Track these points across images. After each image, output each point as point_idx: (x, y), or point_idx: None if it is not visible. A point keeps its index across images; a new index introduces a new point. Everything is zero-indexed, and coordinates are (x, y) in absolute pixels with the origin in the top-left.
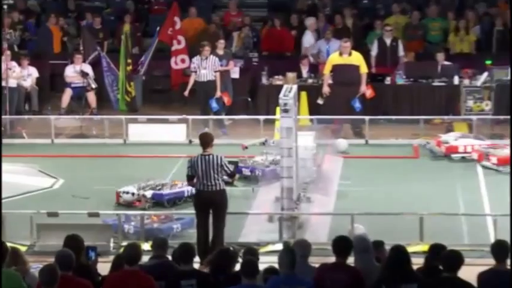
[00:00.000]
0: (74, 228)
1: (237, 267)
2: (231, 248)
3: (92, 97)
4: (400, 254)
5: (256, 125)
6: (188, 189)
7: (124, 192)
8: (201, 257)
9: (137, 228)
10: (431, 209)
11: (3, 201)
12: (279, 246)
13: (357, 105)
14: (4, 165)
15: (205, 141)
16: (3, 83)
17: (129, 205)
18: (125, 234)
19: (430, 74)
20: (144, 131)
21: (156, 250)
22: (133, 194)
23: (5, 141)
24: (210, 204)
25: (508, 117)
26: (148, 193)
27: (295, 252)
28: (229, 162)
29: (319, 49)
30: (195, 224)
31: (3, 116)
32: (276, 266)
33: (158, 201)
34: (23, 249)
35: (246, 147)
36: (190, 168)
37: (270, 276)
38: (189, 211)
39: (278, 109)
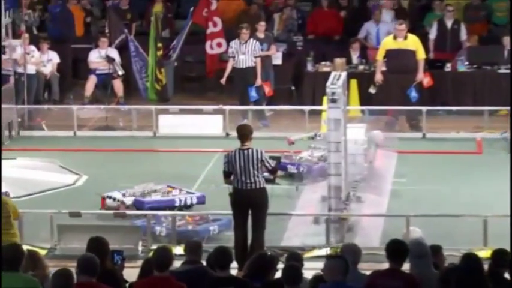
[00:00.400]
0: (98, 229)
1: (279, 274)
2: (270, 253)
3: (118, 85)
4: (473, 262)
5: (300, 116)
6: (181, 198)
7: (108, 197)
8: (239, 262)
9: (169, 230)
10: (496, 211)
11: (21, 199)
12: (326, 251)
13: (413, 94)
14: (22, 160)
15: (244, 134)
16: (20, 69)
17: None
18: (155, 237)
19: (496, 60)
20: (176, 122)
21: (189, 254)
22: (114, 199)
23: (23, 133)
24: (248, 204)
25: None
26: (129, 199)
27: (345, 258)
28: (271, 158)
29: (367, 32)
30: (232, 226)
31: (20, 106)
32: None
33: (139, 209)
34: (42, 252)
35: (293, 143)
36: (227, 164)
37: (319, 285)
38: (227, 211)
39: (325, 99)
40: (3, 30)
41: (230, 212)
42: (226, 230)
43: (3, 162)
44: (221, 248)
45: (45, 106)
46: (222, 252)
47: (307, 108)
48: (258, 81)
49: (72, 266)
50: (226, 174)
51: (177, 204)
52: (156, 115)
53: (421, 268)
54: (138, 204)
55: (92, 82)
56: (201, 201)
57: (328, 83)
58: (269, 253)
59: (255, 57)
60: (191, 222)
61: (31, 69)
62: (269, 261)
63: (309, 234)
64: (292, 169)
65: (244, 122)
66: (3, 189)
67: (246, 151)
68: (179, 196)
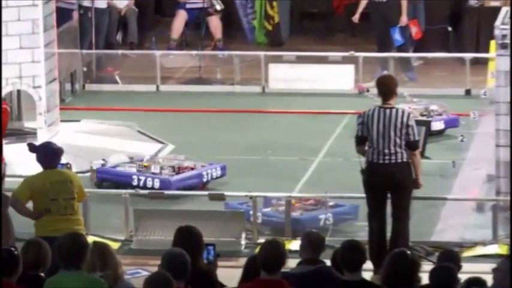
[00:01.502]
0: (188, 216)
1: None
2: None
3: (215, 24)
4: None
5: (459, 67)
6: (208, 172)
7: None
8: (375, 262)
9: (280, 218)
10: None
11: (86, 174)
12: (493, 249)
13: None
14: (88, 123)
15: (386, 88)
16: (87, 2)
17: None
18: (262, 227)
19: None
20: (292, 74)
21: (308, 251)
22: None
23: (89, 87)
24: (387, 184)
25: None
26: (96, 164)
27: None
28: (418, 124)
29: None
30: (359, 214)
31: (86, 51)
32: (485, 276)
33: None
34: (114, 246)
35: (367, 90)
36: (361, 126)
37: None
38: (354, 194)
39: (493, 44)
40: None
41: (359, 195)
42: (348, 220)
43: (63, 125)
44: (351, 242)
45: (119, 51)
46: (352, 249)
47: (468, 56)
48: (403, 20)
49: (153, 265)
50: (359, 140)
51: (204, 179)
52: (265, 64)
53: None
54: (163, 186)
55: (181, 20)
56: (224, 173)
57: (497, 23)
58: (412, 251)
59: None
60: (300, 207)
61: (101, 3)
62: (411, 263)
63: (469, 226)
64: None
65: (385, 74)
66: (63, 161)
67: (388, 110)
68: (204, 169)
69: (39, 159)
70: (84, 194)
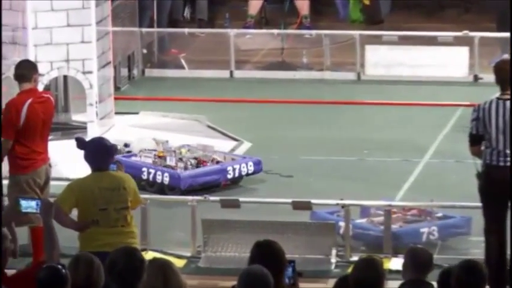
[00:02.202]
0: (267, 228)
1: None
2: None
3: None
4: None
5: None
6: (234, 167)
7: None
8: (494, 285)
9: (377, 231)
10: None
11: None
12: None
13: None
14: (148, 116)
15: (506, 76)
16: None
17: None
18: (356, 242)
19: None
20: (393, 58)
21: (411, 271)
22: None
23: (149, 72)
24: (509, 190)
25: None
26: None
27: None
28: None
29: None
30: (472, 227)
31: (147, 30)
32: None
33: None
34: (178, 264)
35: None
36: (476, 122)
37: None
38: (468, 203)
39: None
40: None
41: (473, 204)
42: (459, 234)
43: (118, 118)
44: (470, 263)
45: (186, 30)
46: (470, 270)
47: None
48: None
49: (225, 287)
50: (475, 139)
51: (229, 175)
52: (361, 46)
53: None
54: (172, 182)
55: None
56: (258, 168)
57: None
58: None
59: None
60: (399, 219)
61: None
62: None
63: None
64: None
65: (506, 58)
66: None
67: (508, 103)
68: (230, 164)
69: (88, 159)
70: (140, 200)
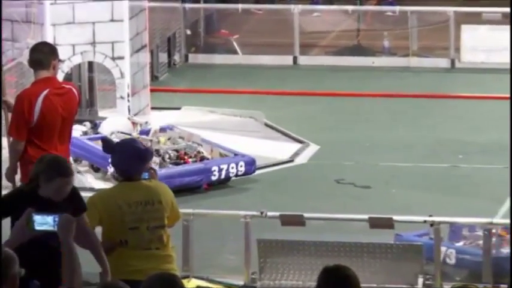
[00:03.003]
0: (337, 251)
1: None
2: None
3: None
4: None
5: None
6: (220, 166)
7: None
8: None
9: (475, 255)
10: None
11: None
12: None
13: None
14: (193, 112)
15: None
16: None
17: None
18: (449, 268)
19: None
20: (495, 41)
21: None
22: None
23: (194, 58)
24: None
25: None
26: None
27: None
28: None
29: None
30: None
31: (191, 5)
32: None
33: None
34: None
35: None
36: None
37: None
38: None
39: None
40: None
41: None
42: None
43: (156, 114)
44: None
45: (239, 6)
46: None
47: None
48: None
49: None
50: None
51: (214, 177)
52: (456, 26)
53: None
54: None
55: None
56: (251, 169)
57: None
58: None
59: None
60: (502, 240)
61: None
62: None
63: None
64: None
65: None
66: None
67: None
68: (216, 162)
69: (117, 164)
70: (179, 216)
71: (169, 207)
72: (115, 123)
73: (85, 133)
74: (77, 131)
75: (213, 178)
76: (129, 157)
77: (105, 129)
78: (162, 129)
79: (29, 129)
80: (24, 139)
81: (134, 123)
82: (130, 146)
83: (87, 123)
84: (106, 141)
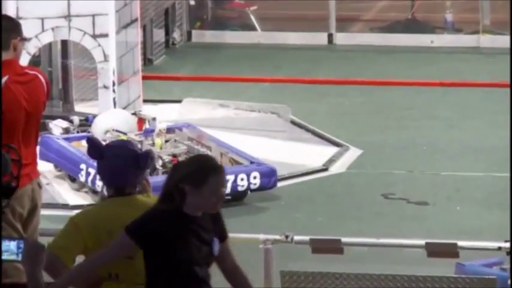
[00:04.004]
0: (385, 284)
1: None
2: None
3: None
4: None
5: None
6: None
7: None
8: None
9: None
10: None
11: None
12: None
13: None
14: (198, 107)
15: None
16: None
17: None
18: None
19: None
20: None
21: None
22: None
23: (200, 36)
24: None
25: None
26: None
27: None
28: None
29: None
30: None
31: None
32: None
33: None
34: None
35: None
36: None
37: None
38: None
39: None
40: None
41: None
42: None
43: (149, 108)
44: None
45: None
46: None
47: None
48: None
49: None
50: None
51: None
52: None
53: None
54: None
55: None
56: (268, 183)
57: None
58: None
59: None
60: None
61: None
62: None
63: None
64: None
65: None
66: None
67: None
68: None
69: (105, 174)
70: None
71: None
72: (115, 118)
73: (66, 131)
74: (57, 127)
75: None
76: (121, 164)
77: (98, 126)
78: (171, 129)
79: None
80: None
81: (141, 120)
82: (123, 150)
83: (75, 118)
84: (93, 143)
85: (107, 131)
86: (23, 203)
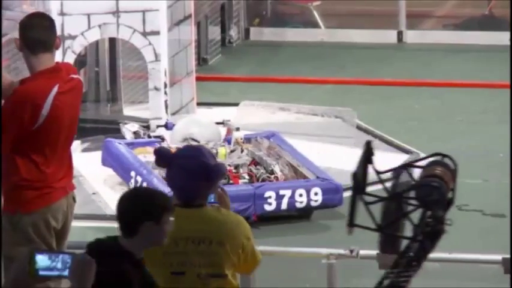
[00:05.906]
0: None
1: None
2: None
3: None
4: None
5: None
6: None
7: None
8: None
9: None
10: None
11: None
12: None
13: None
14: (257, 110)
15: None
16: None
17: None
18: None
19: None
20: None
21: None
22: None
23: (258, 34)
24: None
25: None
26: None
27: None
28: None
29: None
30: None
31: None
32: None
33: None
34: None
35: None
36: None
37: None
38: None
39: None
40: None
41: None
42: None
43: (204, 111)
44: None
45: None
46: None
47: None
48: None
49: None
50: None
51: (269, 207)
52: None
53: None
54: None
55: None
56: (333, 200)
57: None
58: None
59: None
60: None
61: None
62: None
63: None
64: None
65: None
66: None
67: None
68: (273, 187)
69: (173, 183)
70: (256, 261)
71: (237, 252)
72: (198, 126)
73: (136, 134)
74: (128, 131)
75: (268, 208)
76: (190, 174)
77: (178, 133)
78: (248, 139)
79: (21, 137)
80: (6, 152)
81: (229, 130)
82: (193, 159)
83: (152, 122)
84: (161, 153)
85: (184, 139)
86: (57, 217)
